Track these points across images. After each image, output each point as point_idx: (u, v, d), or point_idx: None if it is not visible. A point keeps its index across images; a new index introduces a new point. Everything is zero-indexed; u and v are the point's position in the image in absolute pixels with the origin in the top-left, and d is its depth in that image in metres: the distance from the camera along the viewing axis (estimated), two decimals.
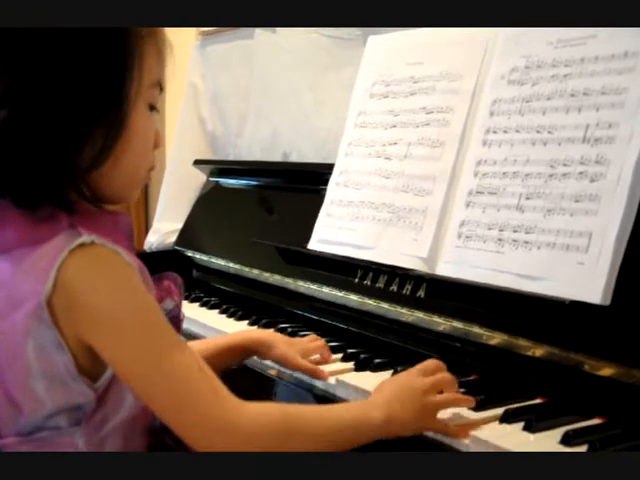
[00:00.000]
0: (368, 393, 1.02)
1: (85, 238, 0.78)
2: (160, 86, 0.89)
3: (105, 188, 0.85)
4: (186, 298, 1.62)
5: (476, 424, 0.92)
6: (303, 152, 1.80)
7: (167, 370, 0.80)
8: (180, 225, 1.92)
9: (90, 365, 0.81)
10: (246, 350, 1.17)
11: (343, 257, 1.31)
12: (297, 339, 1.22)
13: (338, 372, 1.13)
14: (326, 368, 1.14)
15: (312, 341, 1.21)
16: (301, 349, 1.17)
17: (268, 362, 1.23)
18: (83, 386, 0.81)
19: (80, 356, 0.80)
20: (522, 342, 1.02)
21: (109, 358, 0.80)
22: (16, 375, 0.80)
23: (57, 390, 0.80)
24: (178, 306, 0.92)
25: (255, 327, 1.40)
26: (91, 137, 0.80)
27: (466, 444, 0.89)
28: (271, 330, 1.30)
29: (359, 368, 1.15)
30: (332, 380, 1.10)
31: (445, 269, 1.13)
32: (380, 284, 1.26)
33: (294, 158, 1.83)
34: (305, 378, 1.13)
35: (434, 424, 0.92)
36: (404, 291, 1.22)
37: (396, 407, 0.90)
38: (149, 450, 0.89)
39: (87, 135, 0.80)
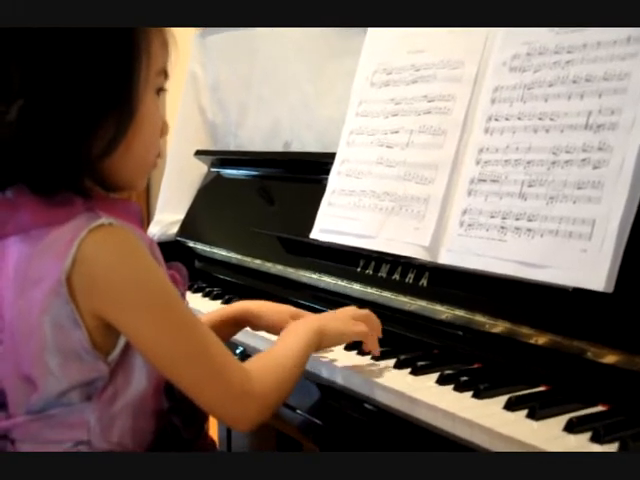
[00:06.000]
0: (374, 383, 1.02)
1: (104, 220, 0.81)
2: (165, 73, 0.91)
3: (116, 175, 0.87)
4: (189, 289, 1.61)
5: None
6: (304, 141, 1.79)
7: (191, 343, 0.84)
8: (182, 216, 1.92)
9: (103, 340, 0.83)
10: (238, 322, 1.18)
11: (345, 246, 1.31)
12: (285, 306, 1.20)
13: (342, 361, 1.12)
14: (329, 357, 1.14)
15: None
16: (291, 313, 1.17)
17: None
18: (98, 361, 0.83)
19: (95, 332, 0.82)
20: (525, 330, 1.02)
21: (131, 334, 0.83)
22: (31, 351, 0.83)
23: (72, 365, 0.83)
24: (183, 296, 0.94)
25: None
26: (103, 125, 0.83)
27: (469, 431, 0.89)
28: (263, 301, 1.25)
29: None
30: (337, 370, 1.10)
31: (447, 258, 1.13)
32: (382, 273, 1.26)
33: (295, 148, 1.82)
34: (310, 369, 1.13)
35: (356, 328, 1.07)
36: (406, 280, 1.21)
37: (326, 318, 1.07)
38: (157, 431, 0.92)
39: (99, 123, 0.83)
